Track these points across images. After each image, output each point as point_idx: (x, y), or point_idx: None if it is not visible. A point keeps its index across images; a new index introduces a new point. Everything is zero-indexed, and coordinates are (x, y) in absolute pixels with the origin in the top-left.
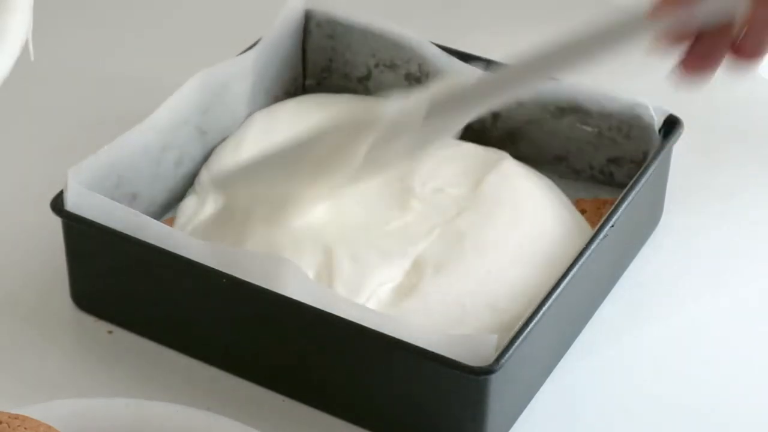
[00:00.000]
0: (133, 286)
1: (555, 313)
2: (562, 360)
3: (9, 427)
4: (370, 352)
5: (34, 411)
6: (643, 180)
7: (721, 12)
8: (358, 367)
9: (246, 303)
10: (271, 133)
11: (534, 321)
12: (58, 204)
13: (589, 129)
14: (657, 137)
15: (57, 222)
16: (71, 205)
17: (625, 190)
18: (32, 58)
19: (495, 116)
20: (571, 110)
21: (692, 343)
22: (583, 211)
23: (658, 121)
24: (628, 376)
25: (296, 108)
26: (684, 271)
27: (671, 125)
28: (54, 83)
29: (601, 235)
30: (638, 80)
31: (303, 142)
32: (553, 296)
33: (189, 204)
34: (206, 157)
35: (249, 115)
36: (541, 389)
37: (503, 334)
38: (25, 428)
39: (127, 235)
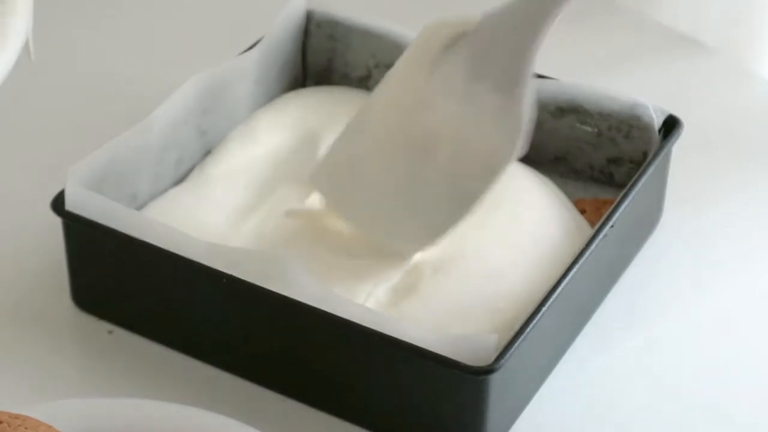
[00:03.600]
0: (133, 286)
1: (555, 313)
2: (562, 360)
3: (9, 426)
4: (370, 352)
5: (34, 411)
6: (643, 180)
7: None
8: (358, 367)
9: (246, 303)
10: (275, 129)
11: (534, 321)
12: (58, 204)
13: (588, 129)
14: (657, 137)
15: (57, 222)
16: (71, 205)
17: (625, 190)
18: (32, 58)
19: None
20: (571, 110)
21: (692, 343)
22: (583, 211)
23: (658, 121)
24: (628, 376)
25: (301, 102)
26: (684, 271)
27: (671, 125)
28: (54, 83)
29: (601, 235)
30: (638, 80)
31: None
32: (553, 296)
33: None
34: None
35: (249, 115)
36: (541, 389)
37: (503, 334)
38: (26, 428)
39: (127, 235)
